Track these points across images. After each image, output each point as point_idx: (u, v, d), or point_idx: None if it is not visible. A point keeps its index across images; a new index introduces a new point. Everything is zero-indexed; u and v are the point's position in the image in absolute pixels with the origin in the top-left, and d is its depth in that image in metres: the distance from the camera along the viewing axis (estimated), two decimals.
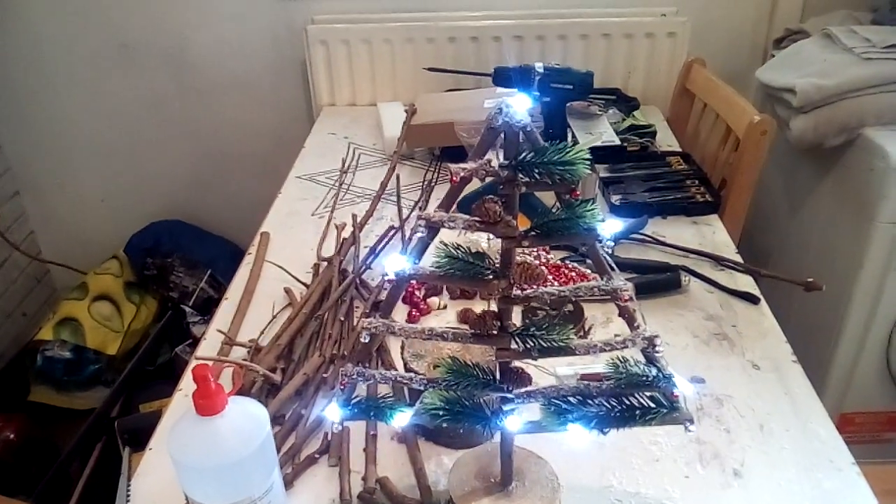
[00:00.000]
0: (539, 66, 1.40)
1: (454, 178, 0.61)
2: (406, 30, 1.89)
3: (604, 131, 1.61)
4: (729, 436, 0.91)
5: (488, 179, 0.62)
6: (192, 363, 1.03)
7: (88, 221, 2.30)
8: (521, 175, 0.61)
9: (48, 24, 1.99)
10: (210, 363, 0.99)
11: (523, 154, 0.60)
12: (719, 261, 1.25)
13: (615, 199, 1.41)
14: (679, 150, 1.67)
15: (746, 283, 1.20)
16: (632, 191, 1.45)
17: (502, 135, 0.61)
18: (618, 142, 1.58)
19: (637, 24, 1.88)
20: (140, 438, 1.96)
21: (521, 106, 0.59)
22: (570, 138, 1.53)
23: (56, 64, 2.04)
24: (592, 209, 0.63)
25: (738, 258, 1.26)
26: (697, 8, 1.91)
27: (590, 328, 1.10)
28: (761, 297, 1.16)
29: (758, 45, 1.99)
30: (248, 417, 0.67)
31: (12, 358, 2.17)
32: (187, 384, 1.02)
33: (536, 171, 0.60)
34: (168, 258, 2.15)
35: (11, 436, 1.91)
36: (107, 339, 2.06)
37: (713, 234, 1.34)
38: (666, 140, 1.72)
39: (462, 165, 0.61)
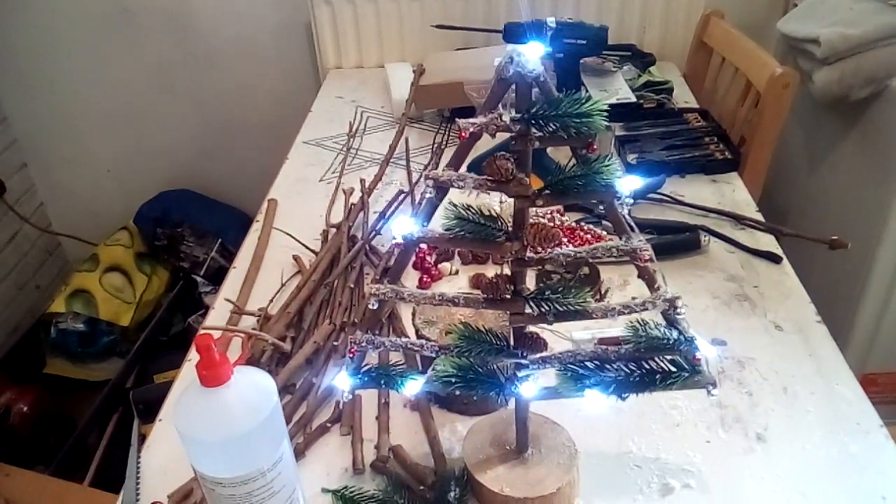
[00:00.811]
0: (551, 21, 1.35)
1: (463, 134, 0.58)
2: None
3: (619, 88, 1.55)
4: (751, 399, 0.88)
5: (499, 136, 0.59)
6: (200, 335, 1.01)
7: (97, 192, 2.29)
8: (534, 129, 0.58)
9: None
10: (218, 333, 0.98)
11: (536, 106, 0.56)
12: (740, 220, 1.21)
13: (631, 157, 1.37)
14: (697, 106, 1.61)
15: (768, 243, 1.16)
16: (648, 149, 1.40)
17: (513, 86, 0.57)
18: (633, 99, 1.53)
19: None
20: (155, 409, 1.97)
21: (533, 55, 0.55)
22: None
23: (58, 32, 2.00)
24: (610, 165, 0.59)
25: (760, 217, 1.22)
26: None
27: (606, 291, 1.07)
28: (783, 256, 1.12)
29: None
30: (254, 388, 0.65)
31: (27, 330, 2.18)
32: (195, 354, 1.00)
33: (551, 124, 0.57)
34: (178, 228, 2.13)
35: (26, 408, 1.92)
36: (119, 311, 2.06)
37: (733, 193, 1.30)
38: (683, 97, 1.67)
39: (471, 120, 0.57)
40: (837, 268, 1.60)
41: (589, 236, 1.17)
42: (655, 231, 1.16)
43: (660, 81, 1.64)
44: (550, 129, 0.57)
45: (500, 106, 0.59)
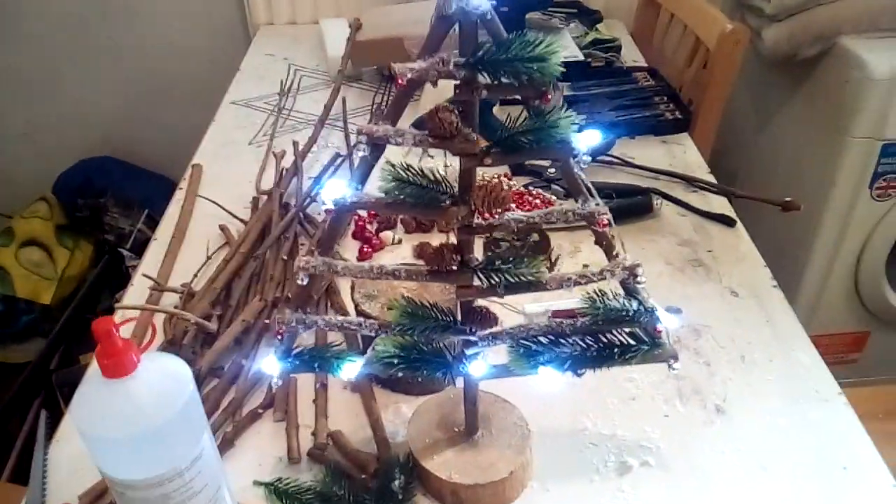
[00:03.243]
0: None
1: (400, 81, 0.50)
2: None
3: (566, 46, 1.49)
4: (709, 369, 0.84)
5: (442, 83, 0.51)
6: (116, 315, 0.91)
7: (11, 159, 2.11)
8: (481, 76, 0.50)
9: None
10: (135, 313, 0.89)
11: (483, 49, 0.49)
12: (692, 182, 1.17)
13: (580, 118, 1.31)
14: (645, 65, 1.56)
15: (721, 205, 1.12)
16: (597, 110, 1.35)
17: (457, 26, 0.50)
18: (581, 57, 1.46)
19: None
20: None
21: None
22: None
23: None
24: (567, 117, 0.52)
25: (712, 178, 1.18)
26: None
27: (556, 259, 1.02)
28: (737, 219, 1.09)
29: None
30: (165, 376, 0.57)
31: None
32: None
33: (500, 69, 0.49)
34: (100, 198, 1.99)
35: None
36: (39, 288, 1.91)
37: (684, 154, 1.26)
38: (631, 55, 1.61)
39: (409, 65, 0.50)
40: (784, 227, 1.59)
41: (538, 201, 1.11)
42: (606, 194, 1.10)
43: (607, 39, 1.58)
44: (500, 76, 0.50)
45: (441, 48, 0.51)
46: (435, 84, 0.50)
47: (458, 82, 0.50)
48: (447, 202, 0.56)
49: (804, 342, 0.87)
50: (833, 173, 1.43)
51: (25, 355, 1.92)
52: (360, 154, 0.54)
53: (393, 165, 0.54)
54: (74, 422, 0.54)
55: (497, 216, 0.56)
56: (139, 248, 1.96)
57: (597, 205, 0.57)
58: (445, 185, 0.55)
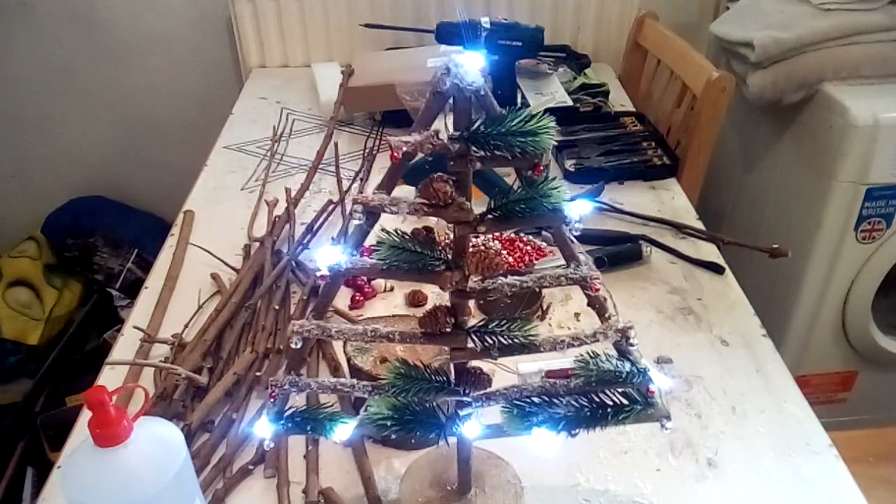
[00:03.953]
0: (486, 21, 1.29)
1: (395, 154, 0.51)
2: None
3: (555, 91, 1.51)
4: (701, 421, 0.84)
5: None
6: (105, 370, 0.91)
7: (0, 200, 2.10)
8: (474, 149, 0.51)
9: None
10: (124, 369, 0.88)
11: (477, 124, 0.50)
12: (681, 228, 1.18)
13: (569, 164, 1.33)
14: (633, 110, 1.59)
15: (710, 252, 1.13)
16: (586, 155, 1.36)
17: (451, 100, 0.51)
18: (570, 103, 1.49)
19: None
20: (65, 435, 1.83)
21: (472, 65, 0.49)
22: (519, 99, 1.43)
23: None
24: (558, 187, 0.53)
25: (700, 225, 1.20)
26: None
27: (548, 307, 1.02)
28: (726, 266, 1.10)
29: None
30: (158, 443, 0.56)
31: None
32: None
33: (493, 143, 0.50)
34: (90, 238, 1.98)
35: None
36: (26, 329, 1.90)
37: (672, 200, 1.27)
38: (619, 100, 1.64)
39: (405, 139, 0.50)
40: (772, 268, 1.61)
41: (529, 248, 1.11)
42: (596, 241, 1.12)
43: (596, 84, 1.61)
44: (493, 149, 0.51)
45: (436, 121, 0.52)
46: (430, 156, 0.50)
47: (452, 154, 0.51)
48: (441, 267, 0.57)
49: (795, 393, 0.88)
50: (819, 216, 1.45)
51: (11, 396, 1.90)
52: (356, 222, 0.55)
53: (388, 233, 0.55)
54: (65, 492, 0.54)
55: (490, 280, 0.57)
56: (128, 288, 1.96)
57: (589, 269, 0.58)
58: (439, 251, 0.56)
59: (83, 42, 1.87)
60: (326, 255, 0.56)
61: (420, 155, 0.53)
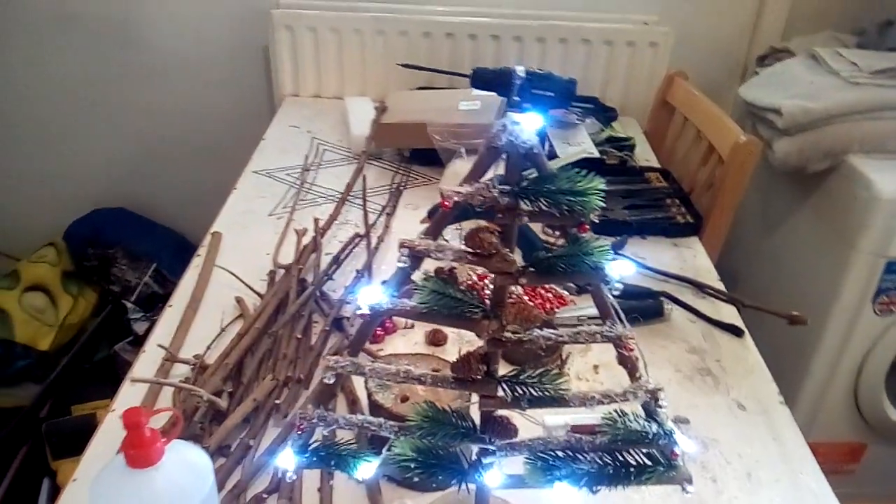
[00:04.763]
0: (521, 70, 1.32)
1: (445, 203, 0.52)
2: (378, 21, 1.79)
3: (583, 142, 1.53)
4: (716, 486, 0.84)
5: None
6: (126, 385, 0.92)
7: (24, 203, 2.13)
8: (523, 204, 0.53)
9: None
10: (145, 387, 0.89)
11: (528, 180, 0.52)
12: (701, 288, 1.19)
13: (593, 216, 1.34)
14: (658, 166, 1.61)
15: (729, 313, 1.14)
16: (610, 207, 1.38)
17: (504, 156, 0.52)
18: (597, 154, 1.51)
19: (618, 31, 1.81)
20: (69, 444, 1.82)
21: (530, 125, 0.51)
22: (547, 148, 1.45)
23: None
24: (602, 246, 0.55)
25: (721, 285, 1.20)
26: (679, 19, 1.85)
27: (567, 356, 1.03)
28: (745, 329, 1.10)
29: (738, 60, 1.95)
30: (188, 468, 0.57)
31: None
32: (122, 401, 0.91)
33: (542, 200, 0.52)
34: (110, 248, 2.00)
35: None
36: (38, 334, 1.91)
37: (694, 258, 1.29)
38: (644, 154, 1.66)
39: (457, 189, 0.52)
40: (787, 333, 1.60)
41: (551, 295, 1.13)
42: (618, 295, 1.13)
43: (623, 137, 1.63)
44: (542, 205, 0.52)
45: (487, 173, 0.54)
46: (480, 208, 0.52)
47: (501, 208, 0.53)
48: (479, 315, 0.58)
49: (811, 465, 0.88)
50: (837, 285, 1.46)
51: (16, 400, 1.90)
52: (400, 265, 0.56)
53: (430, 278, 0.56)
54: None
55: (526, 332, 0.58)
56: (143, 302, 1.97)
57: (623, 329, 0.59)
58: (478, 300, 0.57)
59: (123, 59, 1.91)
60: (368, 295, 0.57)
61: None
